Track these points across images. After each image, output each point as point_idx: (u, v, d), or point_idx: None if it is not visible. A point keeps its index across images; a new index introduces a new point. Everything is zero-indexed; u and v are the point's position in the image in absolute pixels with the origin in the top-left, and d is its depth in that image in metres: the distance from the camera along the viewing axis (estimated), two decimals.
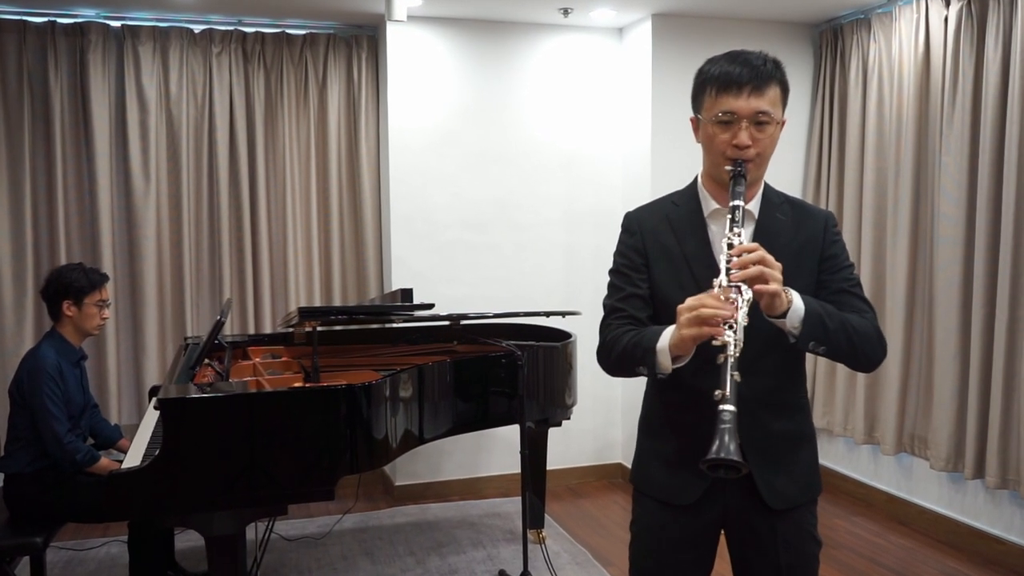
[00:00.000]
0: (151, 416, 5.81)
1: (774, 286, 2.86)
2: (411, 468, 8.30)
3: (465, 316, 6.71)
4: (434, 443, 6.12)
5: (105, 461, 5.64)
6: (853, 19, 7.94)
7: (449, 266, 8.34)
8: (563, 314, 6.93)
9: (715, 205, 3.21)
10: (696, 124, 3.23)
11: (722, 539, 3.37)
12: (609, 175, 8.70)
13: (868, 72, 7.75)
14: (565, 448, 8.56)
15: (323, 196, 8.46)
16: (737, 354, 2.74)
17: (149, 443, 5.23)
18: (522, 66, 8.44)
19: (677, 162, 7.91)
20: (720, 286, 2.86)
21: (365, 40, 8.40)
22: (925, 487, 7.46)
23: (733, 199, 3.01)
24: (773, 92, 3.09)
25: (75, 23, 7.69)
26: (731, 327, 2.77)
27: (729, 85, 3.05)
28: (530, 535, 6.78)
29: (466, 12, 8.02)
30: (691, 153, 8.29)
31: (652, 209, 3.40)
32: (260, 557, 6.60)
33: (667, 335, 2.98)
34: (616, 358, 3.22)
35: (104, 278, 5.96)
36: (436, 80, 8.22)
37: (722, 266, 2.90)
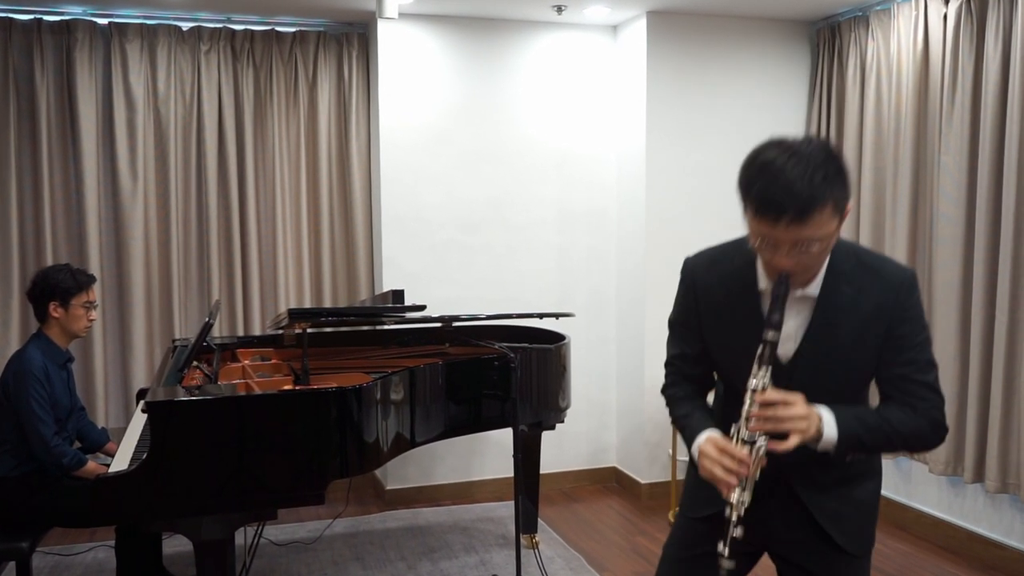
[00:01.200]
0: (138, 419, 5.81)
1: (791, 443, 2.85)
2: (402, 472, 8.31)
3: (457, 318, 6.72)
4: (426, 447, 6.14)
5: (92, 465, 5.64)
6: (851, 16, 7.96)
7: (441, 267, 8.35)
8: (557, 315, 6.94)
9: (768, 283, 3.03)
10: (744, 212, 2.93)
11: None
12: (603, 175, 8.71)
13: (866, 70, 7.76)
14: (559, 452, 8.57)
15: (313, 196, 8.46)
16: (742, 513, 2.87)
17: (136, 447, 5.23)
18: (515, 64, 8.46)
19: (672, 162, 7.95)
20: (739, 435, 2.93)
21: (356, 38, 8.42)
22: (924, 491, 7.47)
23: (768, 327, 2.89)
24: (823, 214, 2.74)
25: (61, 20, 7.70)
26: (742, 487, 2.88)
27: (766, 212, 2.74)
28: (523, 540, 6.80)
29: (458, 9, 8.03)
30: (686, 153, 8.29)
31: (709, 264, 3.27)
32: (249, 562, 6.60)
33: (697, 445, 3.12)
34: (672, 421, 3.43)
35: (91, 279, 5.96)
36: (428, 78, 8.24)
37: (744, 411, 2.91)
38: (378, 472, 8.34)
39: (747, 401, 2.89)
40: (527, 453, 6.80)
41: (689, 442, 3.17)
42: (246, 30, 8.13)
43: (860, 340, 3.00)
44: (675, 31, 8.13)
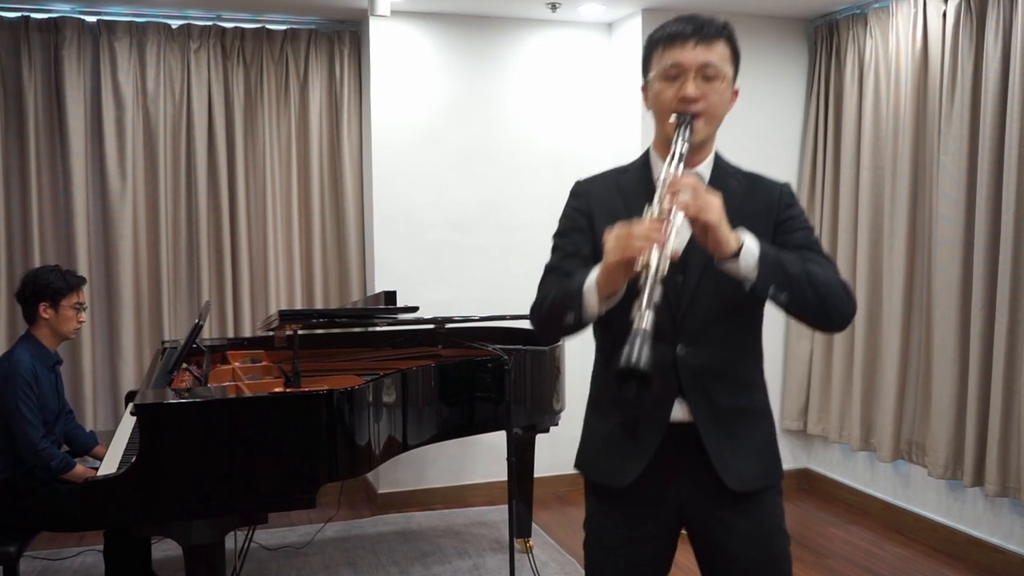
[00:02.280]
0: (127, 422, 5.83)
1: (710, 217, 2.81)
2: (394, 475, 8.32)
3: (450, 319, 6.75)
4: (418, 450, 6.13)
5: (80, 468, 5.65)
6: (849, 14, 7.98)
7: (434, 268, 8.37)
8: None
9: (661, 168, 3.05)
10: (646, 92, 3.22)
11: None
12: None
13: (864, 69, 7.79)
14: (553, 455, 8.55)
15: (304, 196, 8.48)
16: (662, 273, 2.70)
17: (125, 450, 5.25)
18: (509, 62, 8.48)
19: None
20: (651, 214, 2.83)
21: (347, 36, 8.43)
22: (923, 495, 7.50)
23: (676, 142, 3.00)
24: (721, 48, 3.08)
25: (49, 18, 7.70)
26: (660, 246, 2.73)
27: (675, 38, 3.05)
28: (517, 544, 6.80)
29: (451, 7, 8.05)
30: None
31: (601, 177, 3.45)
32: (239, 567, 6.62)
33: (594, 273, 2.93)
34: (546, 312, 3.17)
35: (81, 280, 5.97)
36: (420, 77, 8.26)
37: (656, 196, 2.88)
38: (370, 476, 8.35)
39: (658, 190, 2.89)
40: (521, 456, 6.81)
41: (580, 286, 2.96)
42: (236, 28, 8.15)
43: (752, 227, 3.03)
44: None
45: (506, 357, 6.02)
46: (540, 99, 8.59)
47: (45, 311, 5.77)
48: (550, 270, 3.30)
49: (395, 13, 7.86)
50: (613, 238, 2.81)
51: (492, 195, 8.50)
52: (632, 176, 3.31)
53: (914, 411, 7.41)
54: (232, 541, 6.17)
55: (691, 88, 3.02)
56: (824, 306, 3.03)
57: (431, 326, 6.90)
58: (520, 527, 7.07)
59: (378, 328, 7.43)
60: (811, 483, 8.76)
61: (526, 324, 7.13)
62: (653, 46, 3.15)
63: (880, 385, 7.66)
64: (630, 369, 2.56)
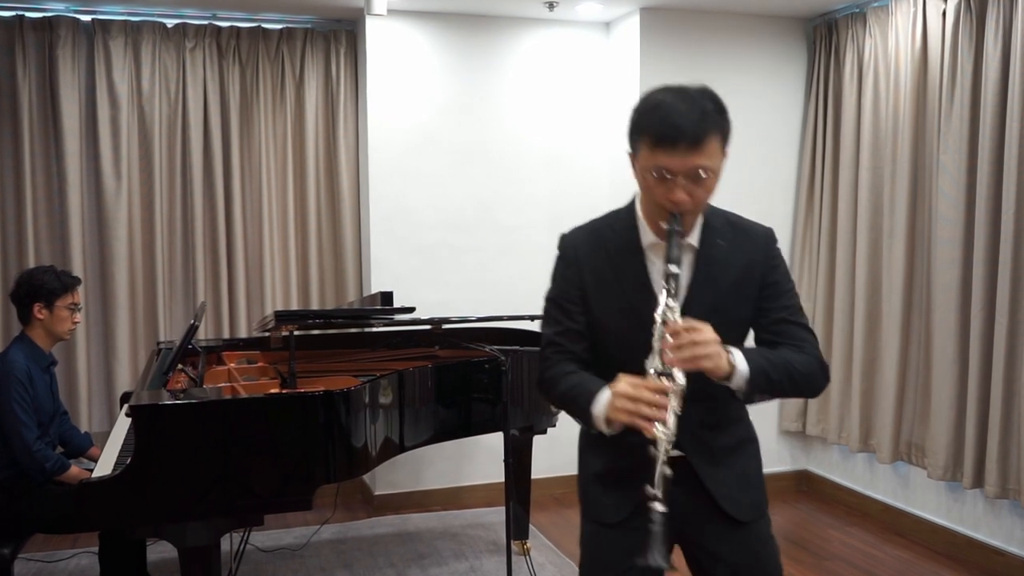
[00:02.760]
0: (122, 423, 5.83)
1: (703, 364, 2.94)
2: (391, 477, 8.32)
3: (447, 320, 6.74)
4: (415, 451, 6.13)
5: (75, 470, 5.65)
6: (848, 13, 7.99)
7: (430, 269, 8.37)
8: None
9: (653, 238, 3.23)
10: (632, 159, 3.20)
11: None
12: (595, 175, 8.72)
13: (863, 68, 7.79)
14: (550, 456, 8.55)
15: (300, 196, 8.48)
16: (669, 449, 2.87)
17: (120, 451, 5.25)
18: (506, 62, 8.48)
19: None
20: (655, 370, 2.95)
21: (344, 35, 8.43)
22: (922, 496, 7.50)
23: (669, 262, 3.03)
24: (712, 144, 3.01)
25: (44, 17, 7.70)
26: (663, 421, 2.88)
27: (663, 141, 2.98)
28: (514, 546, 6.78)
29: (448, 6, 8.06)
30: None
31: (588, 235, 3.42)
32: (235, 569, 6.61)
33: (601, 402, 3.07)
34: (556, 400, 3.38)
35: (76, 281, 5.97)
36: (417, 76, 8.25)
37: (655, 346, 2.97)
38: (366, 477, 8.35)
39: (656, 333, 2.97)
40: (518, 458, 6.82)
41: (587, 405, 3.11)
42: (232, 27, 8.14)
43: (738, 290, 3.25)
44: (669, 28, 8.16)
45: (503, 358, 6.02)
46: (537, 99, 8.59)
47: (39, 312, 5.76)
48: (548, 344, 3.41)
49: (391, 12, 7.86)
50: (620, 398, 2.95)
51: (489, 195, 8.50)
52: (620, 237, 3.32)
53: (914, 412, 7.41)
54: (228, 543, 6.17)
55: (681, 194, 3.03)
56: (799, 392, 3.28)
57: (428, 327, 6.88)
58: (517, 529, 7.06)
59: (374, 329, 7.43)
60: (810, 485, 8.76)
61: (523, 324, 7.18)
62: (640, 132, 3.09)
63: (879, 386, 7.66)
64: (651, 568, 2.80)
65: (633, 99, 8.08)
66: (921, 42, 7.19)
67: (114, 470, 4.80)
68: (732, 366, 3.02)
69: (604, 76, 8.69)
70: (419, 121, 8.29)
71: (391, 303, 6.45)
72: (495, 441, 6.86)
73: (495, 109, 8.49)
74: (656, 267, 3.20)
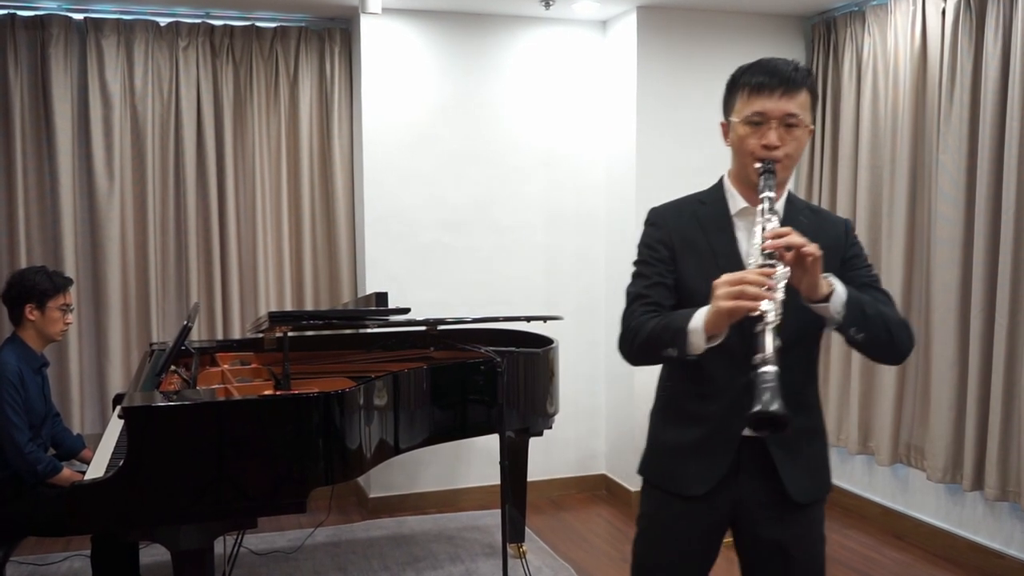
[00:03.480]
0: (115, 425, 5.82)
1: (807, 249, 3.01)
2: (386, 479, 8.33)
3: (442, 321, 6.74)
4: (410, 453, 6.13)
5: (67, 472, 5.66)
6: (847, 11, 7.99)
7: (426, 269, 8.37)
8: (544, 319, 6.96)
9: (743, 203, 3.41)
10: (726, 129, 3.43)
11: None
12: (592, 175, 8.73)
13: (862, 67, 7.79)
14: (547, 459, 8.57)
15: (294, 196, 8.48)
16: (777, 322, 2.90)
17: (113, 453, 5.23)
18: (501, 61, 8.48)
19: (663, 161, 7.96)
20: (755, 262, 3.05)
21: (338, 33, 8.43)
22: (922, 499, 7.51)
23: (764, 191, 3.20)
24: (803, 97, 3.27)
25: (36, 16, 7.69)
26: (770, 294, 2.94)
27: (762, 88, 3.24)
28: (510, 549, 6.79)
29: (443, 4, 8.06)
30: (678, 152, 8.30)
31: (678, 206, 3.57)
32: (228, 572, 6.62)
33: (701, 314, 3.11)
34: (642, 343, 3.33)
35: (68, 281, 5.98)
36: (412, 75, 8.26)
37: (756, 250, 3.08)
38: (361, 480, 8.35)
39: (756, 239, 3.09)
40: (514, 460, 6.82)
41: (683, 325, 3.15)
42: (225, 25, 8.14)
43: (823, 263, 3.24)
44: (666, 26, 8.16)
45: (499, 359, 6.02)
46: (533, 98, 8.59)
47: (31, 312, 5.77)
48: (636, 298, 3.47)
49: (386, 10, 7.85)
50: (725, 285, 2.99)
51: (485, 195, 8.51)
52: (710, 209, 3.48)
53: (913, 414, 7.41)
54: (221, 546, 6.17)
55: (774, 137, 3.24)
56: (893, 343, 3.35)
57: (423, 328, 6.89)
58: (513, 532, 7.09)
59: (369, 330, 7.43)
60: None
61: (519, 326, 7.18)
62: (738, 89, 3.35)
63: (878, 387, 7.66)
64: (768, 415, 2.79)
65: (630, 98, 8.12)
66: (920, 41, 7.20)
67: (107, 472, 4.79)
68: (831, 287, 3.13)
69: (601, 75, 8.69)
70: (414, 120, 8.29)
71: (386, 304, 6.46)
72: (491, 443, 6.88)
73: (491, 108, 8.49)
74: (744, 232, 3.38)
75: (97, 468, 4.98)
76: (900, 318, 3.37)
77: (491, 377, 6.24)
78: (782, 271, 2.98)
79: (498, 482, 6.15)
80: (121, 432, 5.45)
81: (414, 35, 8.22)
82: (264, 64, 8.28)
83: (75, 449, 6.28)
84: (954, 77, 6.90)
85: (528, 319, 6.90)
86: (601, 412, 8.92)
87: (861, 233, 7.66)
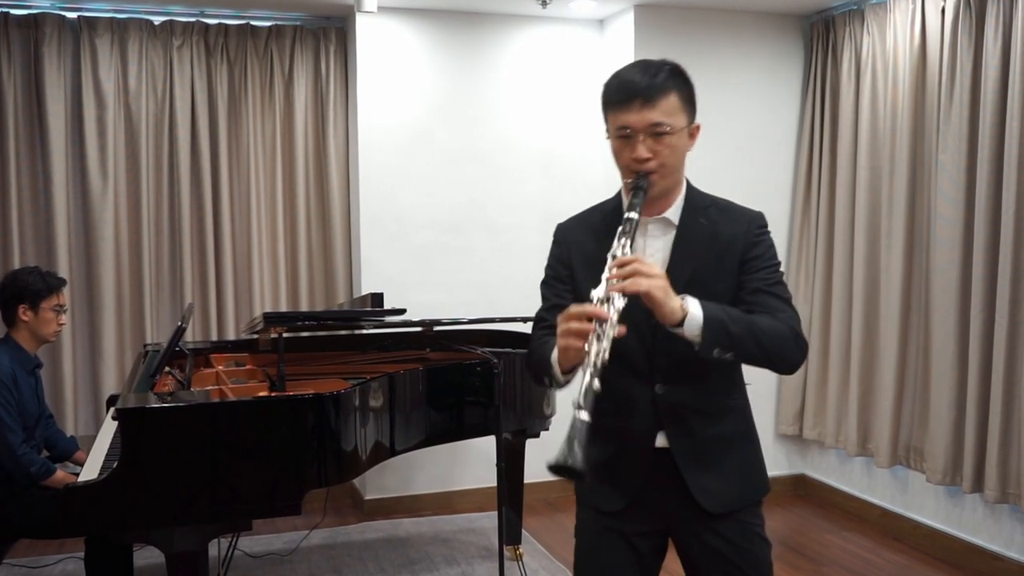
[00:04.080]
0: (109, 427, 5.82)
1: (644, 287, 2.96)
2: (382, 481, 8.33)
3: (438, 322, 6.75)
4: (406, 455, 6.14)
5: (61, 474, 5.66)
6: (845, 10, 8.00)
7: (422, 270, 8.37)
8: None
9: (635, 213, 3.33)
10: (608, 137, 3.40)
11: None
12: (589, 175, 8.71)
13: (861, 66, 7.80)
14: (543, 460, 8.51)
15: (289, 196, 8.47)
16: (599, 363, 2.89)
17: (107, 455, 5.25)
18: (498, 60, 8.49)
19: None
20: (596, 297, 3.02)
21: (333, 32, 8.42)
22: (921, 501, 7.51)
23: (628, 211, 3.17)
24: (669, 102, 3.24)
25: (29, 14, 7.69)
26: (598, 337, 2.92)
27: (620, 100, 3.26)
28: (507, 552, 6.81)
29: (439, 3, 8.06)
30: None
31: (580, 219, 3.65)
32: (223, 575, 6.61)
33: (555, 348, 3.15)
34: (531, 369, 3.53)
35: (62, 282, 5.98)
36: (408, 75, 8.26)
37: (603, 277, 3.05)
38: (356, 481, 8.36)
39: (606, 270, 3.05)
40: (511, 462, 6.83)
41: (545, 357, 3.25)
42: (220, 24, 8.14)
43: (718, 265, 3.32)
44: (664, 25, 8.16)
45: (495, 360, 6.02)
46: (530, 97, 8.59)
47: (24, 313, 5.76)
48: (537, 320, 3.57)
49: (382, 9, 7.87)
50: (561, 323, 3.02)
51: (481, 195, 8.51)
52: (608, 218, 3.42)
53: (912, 415, 7.42)
54: (216, 548, 6.17)
55: (642, 150, 3.22)
56: (769, 358, 3.24)
57: (419, 329, 6.88)
58: (510, 534, 7.07)
59: (365, 331, 7.43)
60: (807, 489, 8.77)
61: (516, 327, 7.18)
62: (605, 107, 3.37)
63: (877, 389, 7.67)
64: (564, 468, 2.82)
65: None
66: (920, 40, 7.20)
67: (100, 474, 4.80)
68: (684, 311, 3.04)
69: (598, 74, 8.60)
70: (410, 120, 8.29)
71: (381, 305, 6.45)
72: (487, 445, 6.87)
73: (487, 108, 8.49)
74: (639, 243, 3.33)
75: (91, 470, 4.99)
76: (783, 329, 3.24)
77: (487, 378, 6.24)
78: (616, 304, 2.95)
79: (494, 484, 6.15)
80: (115, 434, 5.45)
81: (410, 34, 8.22)
82: (259, 63, 8.28)
83: (68, 451, 6.27)
84: (954, 76, 6.90)
85: (525, 320, 6.88)
86: None
87: (861, 234, 7.69)
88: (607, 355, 2.89)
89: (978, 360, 6.74)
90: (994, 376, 6.61)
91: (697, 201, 3.43)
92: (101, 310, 7.96)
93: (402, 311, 6.20)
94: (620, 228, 3.12)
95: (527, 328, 7.21)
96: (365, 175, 8.22)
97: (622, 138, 3.26)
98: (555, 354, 3.14)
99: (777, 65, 8.53)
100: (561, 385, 3.24)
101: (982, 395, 6.74)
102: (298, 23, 8.36)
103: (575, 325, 2.95)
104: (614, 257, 3.05)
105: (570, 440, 2.80)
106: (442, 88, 8.37)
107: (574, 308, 2.99)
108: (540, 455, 8.00)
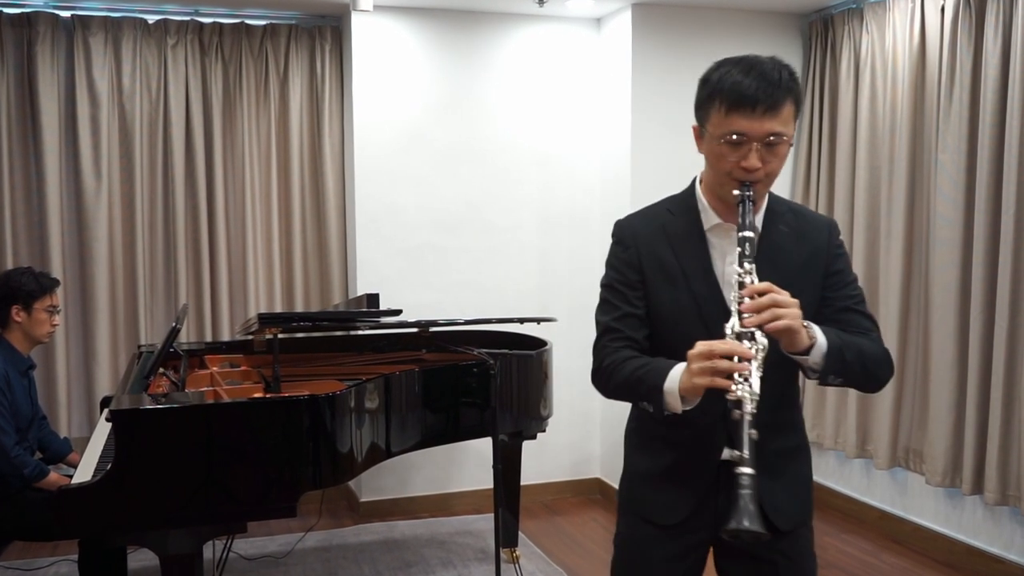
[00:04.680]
0: (103, 428, 5.81)
1: (786, 322, 2.86)
2: (377, 483, 8.33)
3: (434, 323, 6.74)
4: (402, 457, 6.14)
5: (54, 476, 5.66)
6: (844, 9, 8.01)
7: (417, 270, 8.37)
8: (538, 320, 6.97)
9: (716, 220, 3.21)
10: (699, 133, 3.20)
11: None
12: (586, 175, 8.74)
13: (860, 65, 7.81)
14: (540, 462, 8.58)
15: (284, 196, 8.48)
16: (754, 410, 2.76)
17: (101, 457, 5.25)
18: (495, 59, 8.49)
19: (658, 161, 7.94)
20: (733, 330, 2.88)
21: (329, 31, 8.43)
22: (920, 503, 7.52)
23: (742, 230, 2.99)
24: (787, 110, 3.02)
25: (22, 13, 7.69)
26: (746, 379, 2.78)
27: (741, 103, 2.98)
28: (503, 554, 6.80)
29: (435, 2, 8.06)
30: (673, 151, 8.28)
31: (646, 218, 3.38)
32: None
33: (675, 375, 2.97)
34: (617, 387, 3.23)
35: (55, 283, 5.98)
36: (404, 74, 8.26)
37: (733, 308, 2.91)
38: (352, 483, 8.35)
39: (734, 296, 2.93)
40: (507, 464, 6.83)
41: (658, 382, 3.01)
42: (214, 23, 8.14)
43: (802, 276, 3.19)
44: (662, 24, 8.16)
45: (492, 361, 6.01)
46: (527, 97, 8.59)
47: (17, 314, 5.77)
48: (606, 331, 3.34)
49: (378, 8, 7.88)
50: (698, 361, 2.84)
51: (477, 195, 8.51)
52: (680, 221, 3.29)
53: (911, 417, 7.42)
54: (210, 551, 6.17)
55: (755, 159, 3.00)
56: (869, 380, 3.21)
57: (415, 330, 6.89)
58: (506, 536, 7.07)
59: (360, 332, 7.43)
60: None
61: (512, 327, 7.18)
62: (713, 98, 3.09)
63: None
64: (748, 532, 2.66)
65: (625, 97, 8.12)
66: (919, 39, 7.21)
67: (94, 476, 4.80)
68: (812, 339, 2.96)
69: (595, 73, 8.69)
70: (406, 119, 8.29)
71: (377, 305, 6.45)
72: (483, 447, 6.87)
73: (484, 107, 8.49)
74: (719, 251, 3.20)
75: (84, 472, 4.98)
76: (881, 351, 3.20)
77: (484, 379, 6.25)
78: (760, 343, 2.83)
79: (491, 486, 6.15)
80: (109, 435, 5.44)
81: (406, 33, 8.22)
82: (254, 62, 8.28)
83: (62, 453, 6.28)
84: (953, 76, 6.91)
85: (521, 321, 6.91)
86: (595, 415, 8.94)
87: (860, 234, 7.69)
88: (756, 400, 2.76)
89: (978, 361, 6.74)
90: (994, 377, 6.62)
91: (776, 206, 3.29)
92: (95, 311, 7.95)
93: (398, 312, 6.19)
94: (739, 250, 2.96)
95: (524, 329, 7.24)
96: (361, 175, 8.21)
97: (731, 144, 3.02)
98: (674, 382, 2.95)
99: None
100: (667, 413, 3.02)
101: (982, 396, 6.75)
102: (293, 22, 8.36)
103: (723, 365, 2.78)
104: (741, 285, 2.91)
105: (743, 499, 2.68)
106: (438, 87, 8.37)
107: (719, 346, 2.81)
108: (537, 457, 8.02)
